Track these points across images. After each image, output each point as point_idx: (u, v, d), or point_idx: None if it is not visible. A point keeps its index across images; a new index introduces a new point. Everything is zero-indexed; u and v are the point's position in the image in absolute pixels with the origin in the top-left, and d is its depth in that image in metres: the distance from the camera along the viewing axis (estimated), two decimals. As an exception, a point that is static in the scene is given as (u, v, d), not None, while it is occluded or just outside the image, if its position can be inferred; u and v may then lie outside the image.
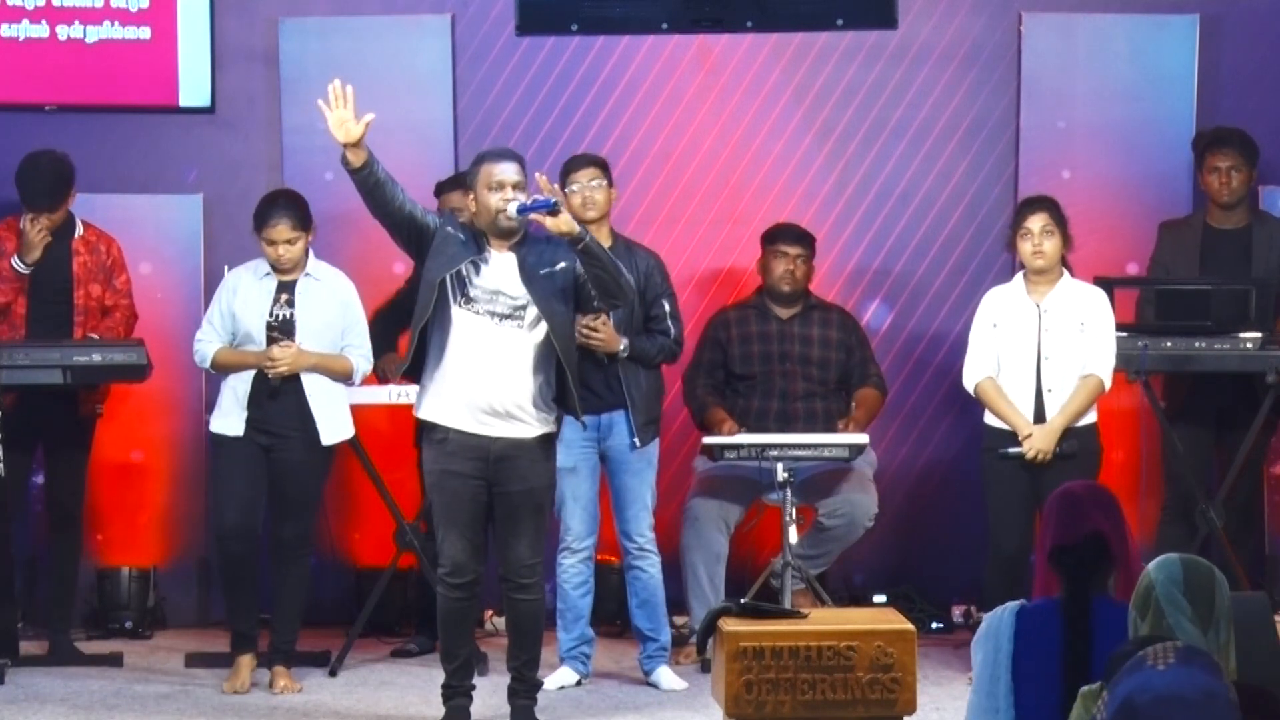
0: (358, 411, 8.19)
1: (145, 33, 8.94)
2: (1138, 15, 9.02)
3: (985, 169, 9.07)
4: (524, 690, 7.01)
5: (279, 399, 7.67)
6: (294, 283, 7.74)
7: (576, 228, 6.77)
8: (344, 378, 7.76)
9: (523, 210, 6.78)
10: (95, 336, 8.17)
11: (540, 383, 6.83)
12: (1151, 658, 3.70)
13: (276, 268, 7.74)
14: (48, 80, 8.92)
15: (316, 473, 7.84)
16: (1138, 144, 8.98)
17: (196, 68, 8.94)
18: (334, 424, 7.77)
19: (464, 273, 6.79)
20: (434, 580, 7.32)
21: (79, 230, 8.29)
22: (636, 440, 7.77)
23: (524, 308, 6.79)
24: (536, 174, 6.89)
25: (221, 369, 7.78)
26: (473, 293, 6.80)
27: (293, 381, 7.67)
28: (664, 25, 8.04)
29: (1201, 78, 8.94)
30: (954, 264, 8.98)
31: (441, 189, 8.28)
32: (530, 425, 6.83)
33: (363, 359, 7.78)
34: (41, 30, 8.93)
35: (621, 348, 7.75)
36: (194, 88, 8.96)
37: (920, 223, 9.10)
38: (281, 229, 7.69)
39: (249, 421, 7.69)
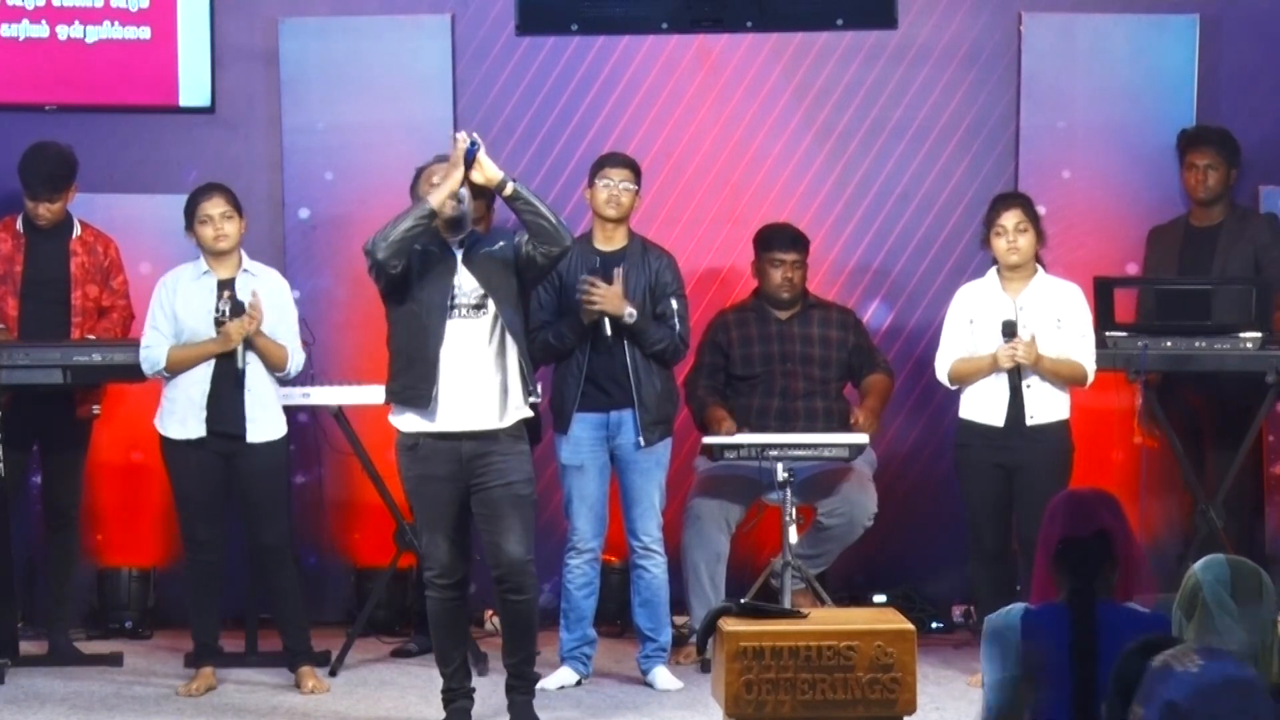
0: (358, 412, 8.19)
1: (145, 33, 8.94)
2: (1138, 15, 9.01)
3: (985, 169, 9.06)
4: (521, 686, 7.00)
5: (235, 397, 7.57)
6: (233, 280, 7.67)
7: (498, 174, 6.78)
8: (279, 367, 7.68)
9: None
10: (92, 337, 8.16)
11: (506, 368, 6.84)
12: (1178, 663, 3.69)
13: (213, 252, 7.65)
14: (48, 80, 8.92)
15: (280, 472, 7.80)
16: (1138, 144, 8.97)
17: (196, 68, 8.95)
18: (266, 423, 7.66)
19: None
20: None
21: (76, 230, 8.28)
22: (641, 440, 7.77)
23: (485, 298, 6.83)
24: (452, 131, 6.89)
25: (177, 367, 7.62)
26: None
27: (242, 381, 7.59)
28: (664, 25, 8.06)
29: (1201, 78, 8.94)
30: (954, 264, 8.97)
31: None
32: (500, 413, 6.84)
33: (295, 352, 7.72)
34: (41, 30, 8.93)
35: (628, 313, 7.72)
36: (194, 88, 8.96)
37: (920, 223, 9.10)
38: (217, 201, 7.66)
39: (207, 423, 7.60)
